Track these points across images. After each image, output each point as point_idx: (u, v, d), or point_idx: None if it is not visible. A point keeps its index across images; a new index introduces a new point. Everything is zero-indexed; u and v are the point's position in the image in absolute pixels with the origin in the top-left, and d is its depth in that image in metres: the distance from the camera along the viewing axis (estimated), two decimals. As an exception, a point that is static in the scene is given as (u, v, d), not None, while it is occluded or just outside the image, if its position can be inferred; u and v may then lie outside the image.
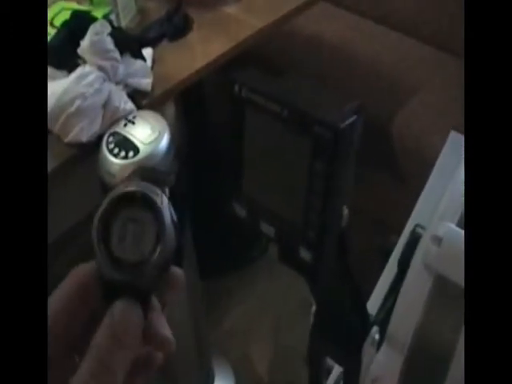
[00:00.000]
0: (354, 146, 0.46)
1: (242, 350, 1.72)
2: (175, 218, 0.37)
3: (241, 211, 0.53)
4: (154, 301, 0.38)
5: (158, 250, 0.36)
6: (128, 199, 0.36)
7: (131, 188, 0.36)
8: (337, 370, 0.90)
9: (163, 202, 0.37)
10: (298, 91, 0.47)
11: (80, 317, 0.38)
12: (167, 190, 0.38)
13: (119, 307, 0.35)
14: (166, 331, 0.37)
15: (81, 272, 0.38)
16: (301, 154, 0.45)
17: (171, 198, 0.38)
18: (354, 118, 0.44)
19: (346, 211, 0.50)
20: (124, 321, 0.35)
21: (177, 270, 0.38)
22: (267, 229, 0.52)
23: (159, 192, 0.37)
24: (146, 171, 0.41)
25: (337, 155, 0.44)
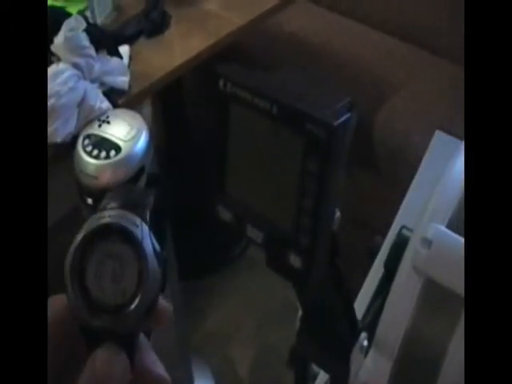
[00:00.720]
0: (346, 145, 0.43)
1: (223, 352, 1.69)
2: (158, 249, 0.32)
3: (226, 215, 0.50)
4: (141, 336, 0.34)
5: (141, 291, 0.32)
6: (104, 232, 0.32)
7: (106, 220, 0.32)
8: (323, 375, 0.88)
9: (143, 233, 0.32)
10: (287, 86, 0.44)
11: (60, 353, 0.34)
12: (148, 214, 0.34)
13: (100, 356, 0.32)
14: (160, 369, 0.34)
15: (57, 304, 0.34)
16: (291, 154, 0.42)
17: (152, 217, 0.33)
18: (347, 115, 0.42)
19: (337, 214, 0.48)
20: (106, 373, 0.32)
21: (163, 303, 0.34)
22: (254, 234, 0.49)
23: (138, 221, 0.32)
24: (124, 194, 0.37)
25: (330, 154, 0.41)
